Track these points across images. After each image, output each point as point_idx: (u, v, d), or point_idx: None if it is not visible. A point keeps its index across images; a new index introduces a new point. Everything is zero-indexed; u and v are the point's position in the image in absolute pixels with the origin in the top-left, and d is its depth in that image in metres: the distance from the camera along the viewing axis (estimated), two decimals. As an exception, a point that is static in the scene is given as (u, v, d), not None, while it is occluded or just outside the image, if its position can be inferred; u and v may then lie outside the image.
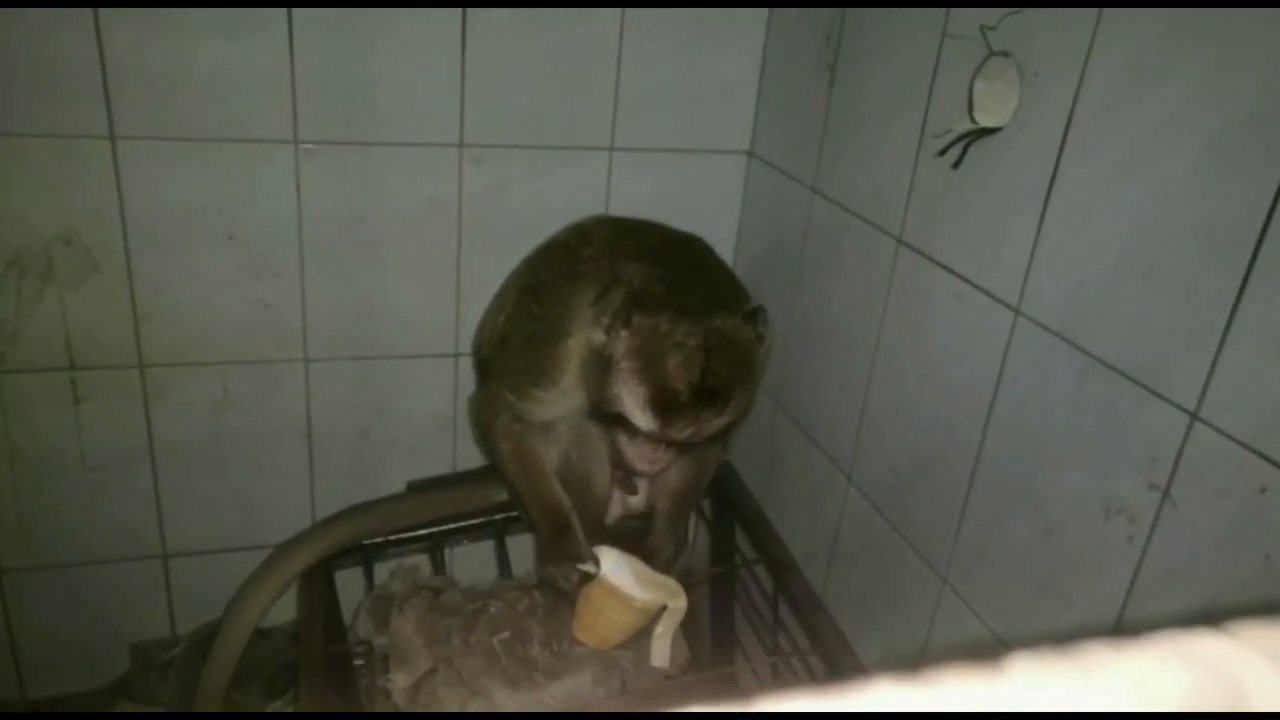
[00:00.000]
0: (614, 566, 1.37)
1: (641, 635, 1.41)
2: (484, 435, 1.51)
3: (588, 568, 1.37)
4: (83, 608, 1.78)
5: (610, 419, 1.32)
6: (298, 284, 1.66)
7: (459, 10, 1.53)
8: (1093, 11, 0.98)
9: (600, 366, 1.26)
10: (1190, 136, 0.89)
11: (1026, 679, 0.21)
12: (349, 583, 1.57)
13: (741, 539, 1.72)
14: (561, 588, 1.41)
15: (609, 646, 1.40)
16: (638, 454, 1.43)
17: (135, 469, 1.71)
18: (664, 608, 1.40)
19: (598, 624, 1.39)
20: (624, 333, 1.22)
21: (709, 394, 1.20)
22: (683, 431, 1.23)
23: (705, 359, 1.20)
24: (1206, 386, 0.88)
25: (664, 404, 1.20)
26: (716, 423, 1.24)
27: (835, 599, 1.54)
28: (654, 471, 1.49)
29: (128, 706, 1.78)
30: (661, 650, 1.40)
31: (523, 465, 1.45)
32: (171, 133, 1.49)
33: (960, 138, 1.19)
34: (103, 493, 1.70)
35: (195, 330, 1.64)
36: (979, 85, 1.15)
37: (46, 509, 1.69)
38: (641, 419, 1.23)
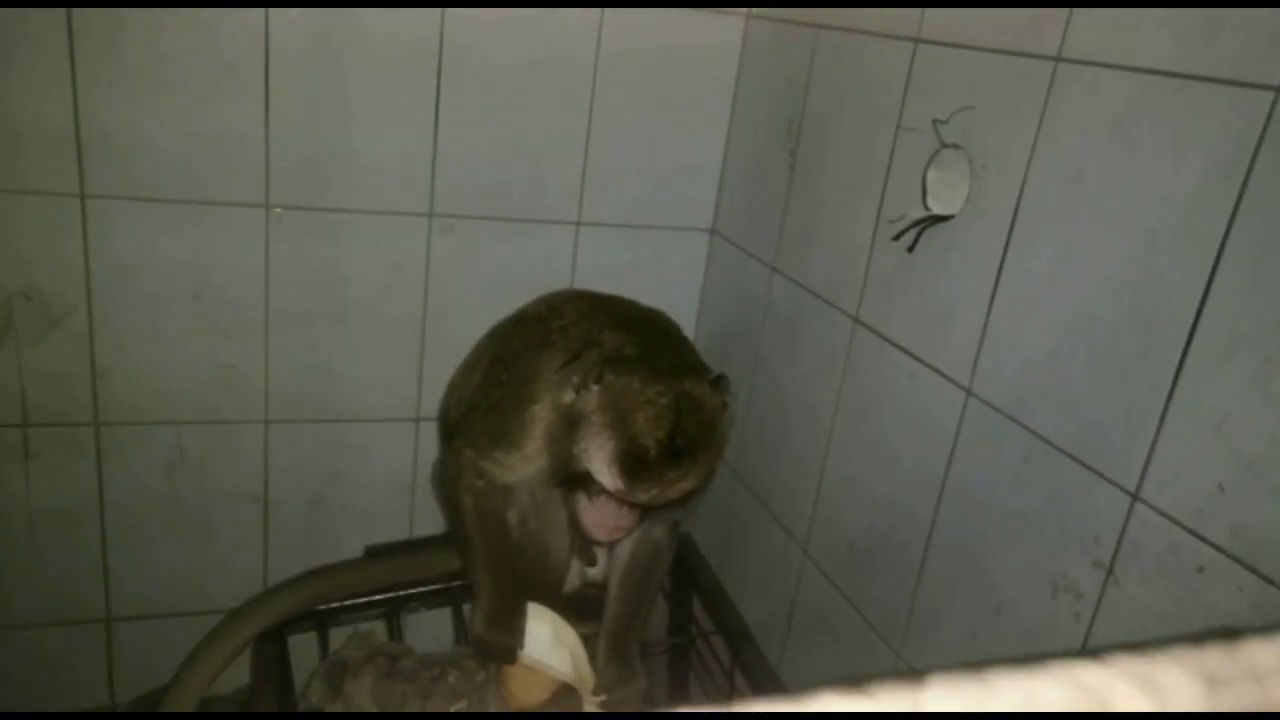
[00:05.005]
0: (540, 629, 1.39)
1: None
2: (447, 492, 1.51)
3: (518, 652, 1.38)
4: (17, 674, 1.72)
5: (572, 482, 1.31)
6: (262, 346, 1.66)
7: (433, 83, 1.58)
8: (1036, 112, 1.05)
9: (567, 425, 1.26)
10: (1127, 230, 0.95)
11: (943, 690, 0.26)
12: (302, 649, 1.54)
13: (699, 610, 1.73)
14: (492, 656, 1.41)
15: (522, 706, 1.41)
16: (596, 519, 1.40)
17: (83, 528, 1.67)
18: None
19: (513, 694, 1.41)
20: (595, 388, 1.23)
21: (677, 453, 1.20)
22: (648, 491, 1.22)
23: (675, 418, 1.20)
24: (1146, 468, 0.92)
25: (632, 461, 1.20)
26: (681, 486, 1.23)
27: (791, 671, 1.54)
28: (610, 540, 1.47)
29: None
30: None
31: (483, 526, 1.44)
32: (143, 193, 1.51)
33: (914, 223, 1.24)
34: (47, 552, 1.66)
35: (154, 389, 1.63)
36: (932, 175, 1.21)
37: (-15, 568, 1.64)
38: (608, 476, 1.22)
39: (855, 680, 0.27)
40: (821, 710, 0.27)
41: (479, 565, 1.45)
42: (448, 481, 1.49)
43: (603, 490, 1.27)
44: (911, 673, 0.28)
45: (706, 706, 0.28)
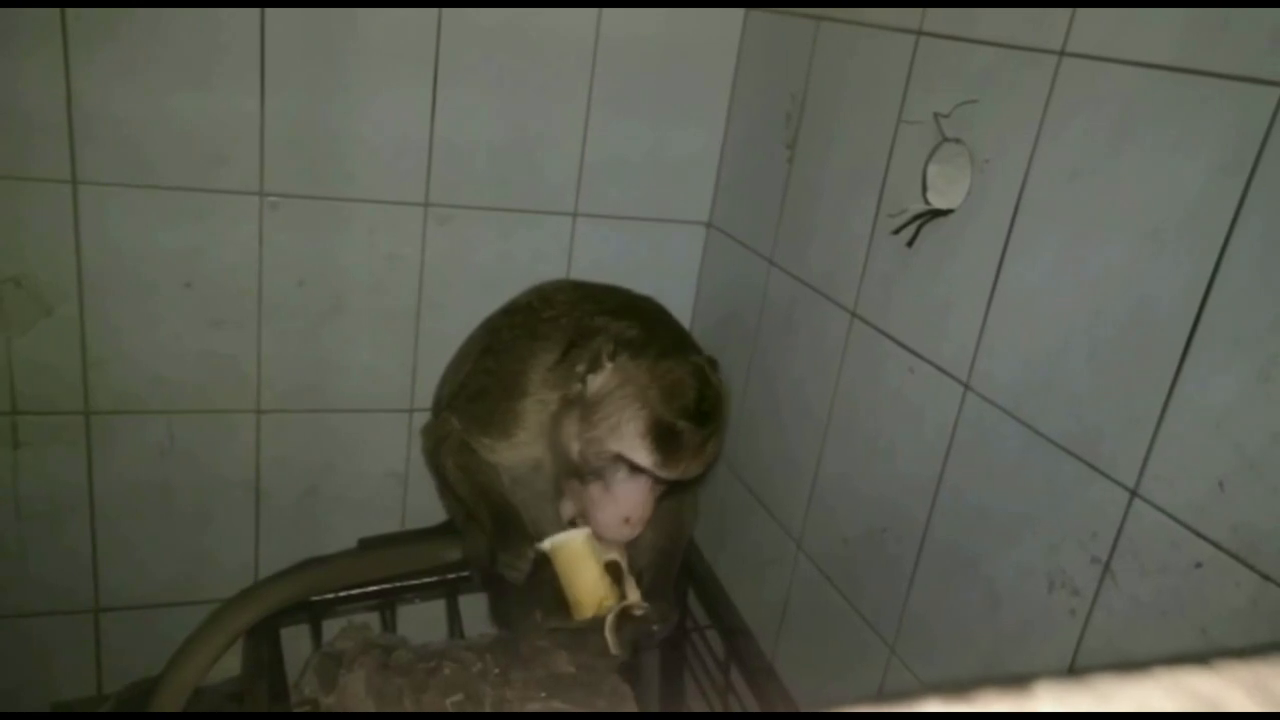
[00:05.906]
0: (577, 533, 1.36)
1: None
2: (431, 455, 1.53)
3: (541, 546, 1.35)
4: (4, 664, 1.71)
5: (592, 473, 1.29)
6: (254, 334, 1.65)
7: (430, 73, 1.56)
8: (1039, 106, 1.05)
9: (579, 414, 1.26)
10: (1129, 227, 0.95)
11: (1051, 698, 0.25)
12: (295, 640, 1.54)
13: (693, 603, 1.73)
14: (512, 576, 1.36)
15: (599, 608, 1.36)
16: (613, 512, 1.32)
17: (72, 518, 1.66)
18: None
19: (573, 589, 1.36)
20: (609, 365, 1.24)
21: (705, 418, 1.23)
22: (681, 460, 1.24)
23: (699, 384, 1.24)
24: (1145, 464, 0.92)
25: (664, 430, 1.22)
26: (708, 451, 1.26)
27: (786, 665, 1.54)
28: (626, 537, 1.38)
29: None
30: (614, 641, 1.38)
31: (468, 474, 1.44)
32: (136, 179, 1.49)
33: (914, 218, 1.24)
34: (35, 542, 1.65)
35: (145, 378, 1.61)
36: (932, 168, 1.21)
37: (-28, 557, 1.63)
38: (641, 450, 1.23)
39: (959, 686, 0.27)
40: (927, 711, 0.26)
41: (477, 510, 1.44)
42: (430, 443, 1.52)
43: (635, 468, 1.26)
44: (1015, 679, 0.27)
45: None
